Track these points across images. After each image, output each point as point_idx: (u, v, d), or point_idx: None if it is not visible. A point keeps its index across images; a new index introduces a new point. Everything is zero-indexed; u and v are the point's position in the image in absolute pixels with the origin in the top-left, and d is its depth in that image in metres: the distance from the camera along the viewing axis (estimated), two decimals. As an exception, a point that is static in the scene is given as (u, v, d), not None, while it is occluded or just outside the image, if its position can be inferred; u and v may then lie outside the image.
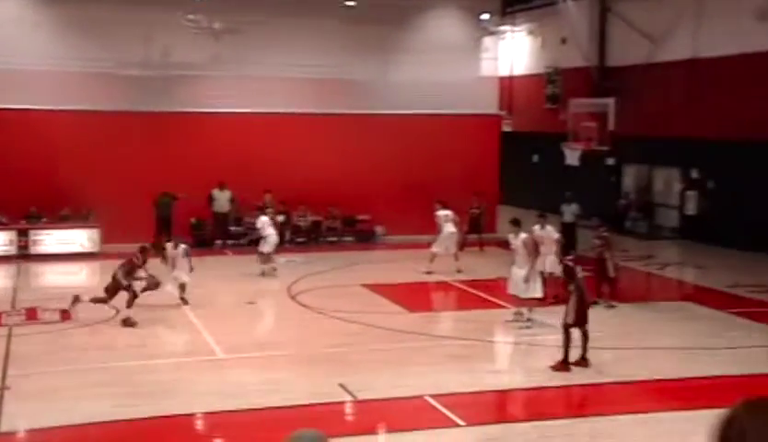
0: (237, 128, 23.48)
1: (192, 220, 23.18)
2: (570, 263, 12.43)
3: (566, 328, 12.00)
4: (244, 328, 14.63)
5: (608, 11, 27.53)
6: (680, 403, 10.56)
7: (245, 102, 23.60)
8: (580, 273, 12.30)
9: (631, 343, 13.50)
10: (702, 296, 17.50)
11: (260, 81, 23.94)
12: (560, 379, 11.68)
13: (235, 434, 9.97)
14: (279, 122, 23.82)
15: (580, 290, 12.15)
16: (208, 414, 10.38)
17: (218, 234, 23.18)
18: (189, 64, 23.91)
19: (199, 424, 10.40)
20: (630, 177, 27.63)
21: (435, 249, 19.18)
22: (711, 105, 23.80)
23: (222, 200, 22.92)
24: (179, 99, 23.45)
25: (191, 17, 23.06)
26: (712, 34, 23.58)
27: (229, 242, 23.19)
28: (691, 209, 24.62)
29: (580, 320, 12.00)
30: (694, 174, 24.50)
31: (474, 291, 17.64)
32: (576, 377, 11.73)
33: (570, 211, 21.56)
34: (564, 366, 11.87)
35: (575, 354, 12.01)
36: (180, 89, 23.69)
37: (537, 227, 16.66)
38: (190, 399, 10.75)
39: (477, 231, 22.50)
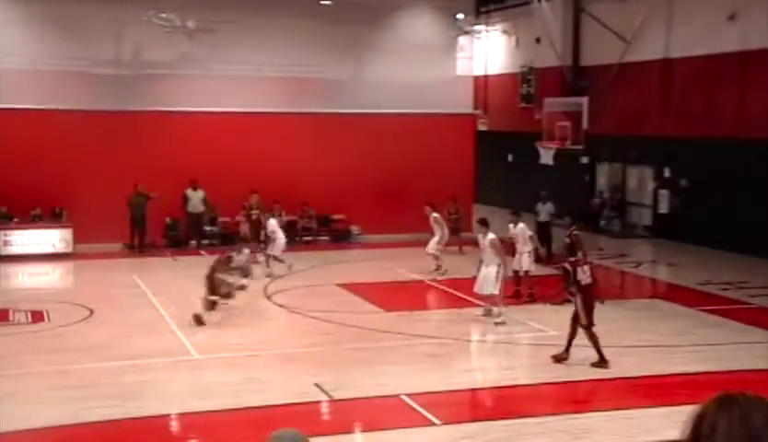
0: (211, 127, 23.34)
1: (167, 220, 23.03)
2: (568, 266, 12.30)
3: (585, 329, 12.00)
4: (219, 328, 14.54)
5: (581, 11, 27.72)
6: (653, 400, 10.66)
7: (219, 101, 23.46)
8: (581, 274, 12.12)
9: (605, 340, 13.55)
10: (674, 293, 17.68)
11: (234, 80, 23.82)
12: (535, 378, 11.74)
13: (212, 434, 9.92)
14: (253, 122, 23.71)
15: (582, 290, 12.04)
16: (184, 415, 10.32)
17: (192, 234, 23.02)
18: (162, 63, 23.73)
19: (175, 425, 10.34)
20: (603, 176, 27.85)
21: (437, 252, 19.21)
22: (683, 104, 24.06)
23: (195, 200, 22.73)
24: (152, 98, 23.26)
25: (164, 15, 22.89)
26: (683, 35, 23.83)
27: (204, 242, 23.05)
28: (663, 207, 24.86)
29: (591, 319, 11.97)
30: (667, 173, 24.74)
31: (450, 290, 17.68)
32: (552, 374, 11.80)
33: (545, 210, 21.67)
34: (600, 363, 11.91)
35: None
36: (153, 88, 23.51)
37: (511, 226, 16.76)
38: (165, 399, 10.68)
39: (456, 233, 22.38)
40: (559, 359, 12.14)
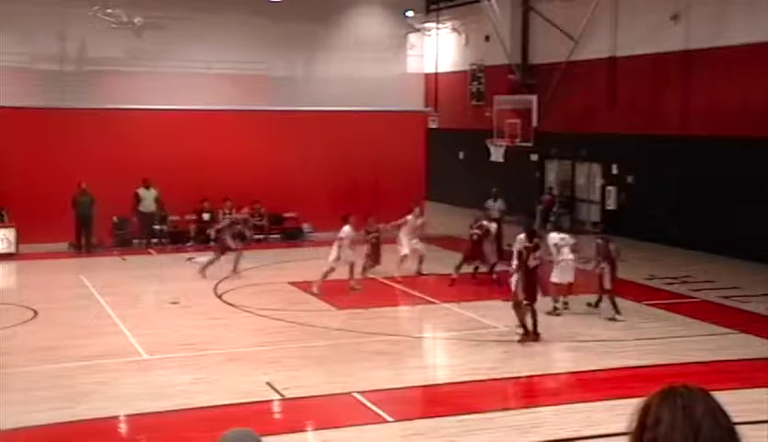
0: (161, 125, 23.02)
1: (114, 219, 22.64)
2: (522, 250, 13.35)
3: (517, 305, 12.98)
4: (169, 327, 14.38)
5: (530, 10, 28.04)
6: (600, 394, 10.85)
7: (168, 99, 23.17)
8: (531, 260, 13.10)
9: (555, 335, 13.79)
10: (621, 288, 17.95)
11: (184, 77, 23.60)
12: (485, 373, 11.85)
13: (163, 435, 9.80)
14: (203, 119, 23.46)
15: (527, 272, 13.05)
16: (135, 416, 10.17)
17: (144, 234, 22.58)
18: (109, 60, 23.37)
19: (126, 427, 10.18)
20: (553, 173, 28.21)
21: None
22: (629, 102, 24.50)
23: (148, 199, 22.32)
24: (98, 95, 22.88)
25: (110, 11, 22.54)
26: (628, 34, 24.27)
27: (153, 241, 22.73)
28: (611, 204, 25.29)
29: (528, 297, 12.97)
30: (614, 170, 25.16)
31: (401, 287, 17.73)
32: (502, 370, 11.93)
33: (496, 207, 21.87)
34: (524, 337, 12.98)
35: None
36: (99, 85, 23.15)
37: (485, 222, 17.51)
38: (114, 401, 10.52)
39: (375, 259, 21.42)
40: (532, 340, 12.92)
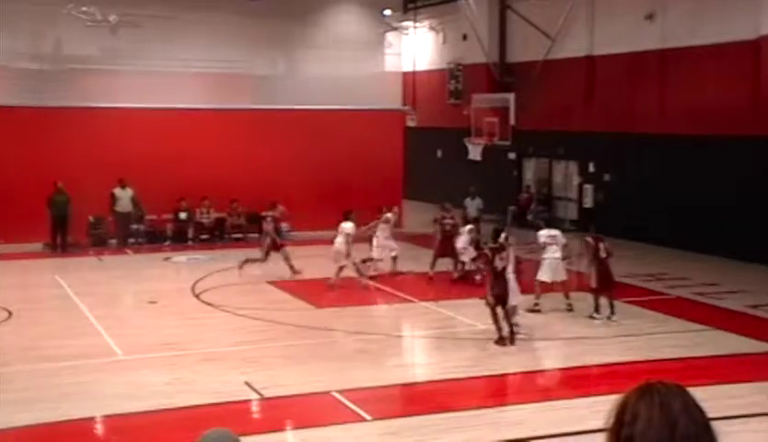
0: (139, 124, 22.83)
1: (90, 218, 22.44)
2: (488, 252, 13.28)
3: (489, 306, 12.95)
4: (146, 328, 14.28)
5: (507, 8, 28.13)
6: (579, 390, 10.91)
7: (146, 98, 22.97)
8: (498, 261, 12.99)
9: (535, 333, 13.85)
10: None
11: (161, 76, 23.41)
12: (464, 371, 11.88)
13: (142, 435, 9.73)
14: (182, 118, 23.32)
15: (495, 275, 12.99)
16: (111, 417, 10.09)
17: (121, 234, 22.37)
18: (85, 58, 23.14)
19: (101, 428, 10.10)
20: (530, 171, 28.33)
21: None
22: (606, 101, 24.65)
23: (125, 199, 22.11)
24: (75, 94, 22.66)
25: (84, 8, 22.33)
26: (605, 33, 24.43)
27: (130, 241, 22.56)
28: (588, 202, 25.43)
29: (497, 299, 12.91)
30: (591, 168, 25.32)
31: (380, 286, 17.74)
32: (481, 368, 11.97)
33: (474, 205, 21.94)
34: (500, 340, 12.86)
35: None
36: (76, 83, 22.92)
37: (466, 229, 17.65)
38: (91, 402, 10.43)
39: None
40: (503, 342, 12.84)
